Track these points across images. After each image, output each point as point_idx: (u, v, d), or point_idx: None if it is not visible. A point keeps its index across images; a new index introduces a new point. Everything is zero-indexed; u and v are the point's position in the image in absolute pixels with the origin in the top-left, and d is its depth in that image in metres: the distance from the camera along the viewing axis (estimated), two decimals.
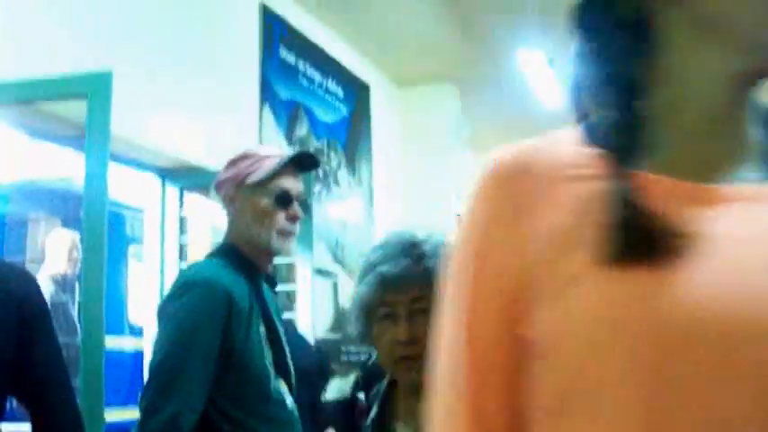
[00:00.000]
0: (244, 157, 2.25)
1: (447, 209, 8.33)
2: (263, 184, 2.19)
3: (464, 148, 9.26)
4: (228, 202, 2.25)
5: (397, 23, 7.19)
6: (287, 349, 2.20)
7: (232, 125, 5.49)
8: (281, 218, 2.20)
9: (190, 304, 2.01)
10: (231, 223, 2.25)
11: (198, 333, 1.97)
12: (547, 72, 6.86)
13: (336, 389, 6.35)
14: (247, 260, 2.17)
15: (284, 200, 2.21)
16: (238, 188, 2.21)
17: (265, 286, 2.25)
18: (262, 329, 2.09)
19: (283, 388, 2.11)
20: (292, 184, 2.24)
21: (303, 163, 2.32)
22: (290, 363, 2.21)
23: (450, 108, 8.64)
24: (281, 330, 2.22)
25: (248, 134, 5.71)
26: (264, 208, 2.18)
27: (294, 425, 2.10)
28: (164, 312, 2.05)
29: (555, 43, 6.87)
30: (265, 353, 2.07)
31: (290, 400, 2.11)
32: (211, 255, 2.26)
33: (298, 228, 2.26)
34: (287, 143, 6.14)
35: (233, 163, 2.25)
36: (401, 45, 7.66)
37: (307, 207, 2.28)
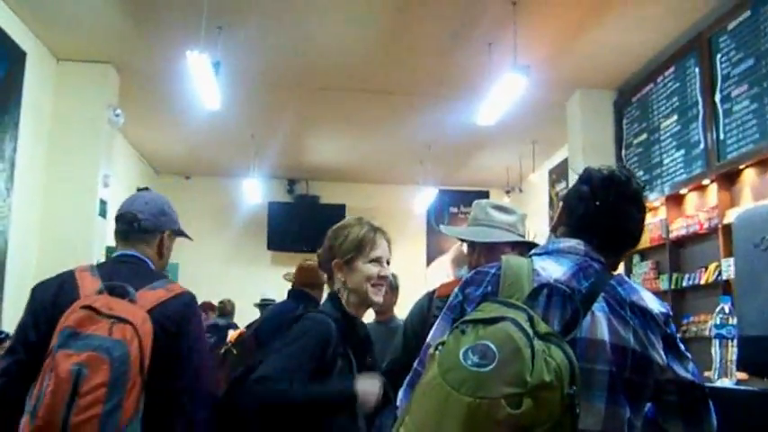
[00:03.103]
0: None
1: (91, 193, 8.10)
2: None
3: (115, 135, 9.06)
4: None
5: None
6: None
7: None
8: None
9: None
10: None
11: None
12: (210, 75, 6.93)
13: None
14: None
15: None
16: None
17: None
18: None
19: None
20: None
21: None
22: None
23: (107, 92, 8.39)
24: None
25: None
26: None
27: None
28: None
29: (222, 49, 7.01)
30: None
31: None
32: None
33: None
34: None
35: None
36: (65, 18, 7.32)
37: None
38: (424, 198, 12.31)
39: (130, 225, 2.71)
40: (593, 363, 1.75)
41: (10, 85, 7.14)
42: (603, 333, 1.77)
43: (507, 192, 12.26)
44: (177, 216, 2.93)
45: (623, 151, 8.44)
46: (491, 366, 1.53)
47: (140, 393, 2.27)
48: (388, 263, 2.73)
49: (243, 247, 13.33)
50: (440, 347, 1.67)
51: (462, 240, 3.36)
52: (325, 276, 2.84)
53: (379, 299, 2.68)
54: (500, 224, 3.10)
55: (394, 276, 5.97)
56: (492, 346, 1.56)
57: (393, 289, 5.91)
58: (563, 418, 1.53)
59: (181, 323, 2.49)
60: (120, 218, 2.73)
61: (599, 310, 1.80)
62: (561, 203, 2.06)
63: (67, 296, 2.42)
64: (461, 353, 1.58)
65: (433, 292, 3.38)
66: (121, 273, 2.56)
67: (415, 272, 11.26)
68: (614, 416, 1.74)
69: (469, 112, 8.35)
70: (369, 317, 5.15)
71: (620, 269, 6.84)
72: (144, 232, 2.71)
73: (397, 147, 11.24)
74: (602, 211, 1.95)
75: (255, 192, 12.30)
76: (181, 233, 2.95)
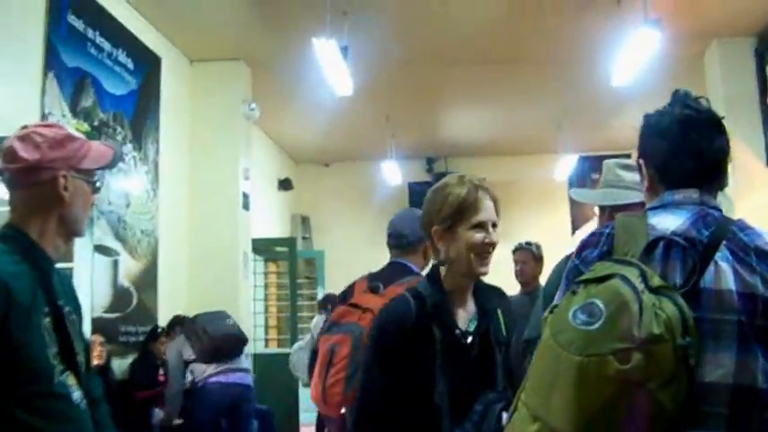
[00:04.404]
0: (69, 137, 2.10)
1: (233, 187, 8.30)
2: (90, 169, 2.13)
3: (252, 128, 9.25)
4: (55, 182, 2.06)
5: None
6: (76, 339, 2.07)
7: (12, 92, 5.23)
8: (91, 202, 2.19)
9: None
10: (26, 205, 2.07)
11: None
12: (339, 60, 6.97)
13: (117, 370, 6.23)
14: (34, 246, 2.04)
15: (98, 187, 2.19)
16: (69, 171, 2.07)
17: (57, 272, 2.17)
18: (46, 320, 1.95)
19: (70, 381, 1.98)
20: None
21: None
22: (81, 354, 2.08)
23: (241, 87, 8.59)
24: (72, 319, 2.09)
25: (29, 102, 5.44)
26: (88, 193, 2.14)
27: (81, 420, 1.99)
28: None
29: (349, 34, 7.02)
30: (48, 345, 1.94)
31: (77, 395, 1.98)
32: None
33: None
34: (71, 114, 5.91)
35: (59, 143, 2.08)
36: (195, 20, 7.55)
37: None
38: (564, 166, 12.05)
39: (399, 240, 3.39)
40: (721, 313, 1.64)
41: (148, 89, 7.41)
42: (729, 282, 1.66)
43: None
44: None
45: None
46: (598, 323, 1.51)
47: None
48: (494, 226, 2.40)
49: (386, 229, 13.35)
50: (553, 311, 1.65)
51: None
52: (428, 246, 2.63)
53: (485, 270, 2.39)
54: (629, 184, 2.94)
55: (537, 247, 5.85)
56: (599, 303, 1.53)
57: (537, 259, 5.80)
58: (677, 370, 1.48)
59: None
60: (390, 236, 3.45)
61: (722, 260, 1.69)
62: (642, 162, 1.94)
63: (346, 298, 3.33)
64: (570, 313, 1.56)
65: (570, 255, 3.24)
66: (384, 275, 3.31)
67: (560, 242, 11.02)
68: (746, 366, 1.63)
69: (604, 73, 8.07)
70: (513, 288, 5.07)
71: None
72: (410, 245, 3.37)
73: (533, 116, 11.03)
74: (701, 164, 1.84)
75: (395, 173, 12.35)
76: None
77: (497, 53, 8.58)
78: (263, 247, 10.12)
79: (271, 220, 11.65)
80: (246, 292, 8.58)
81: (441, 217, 2.38)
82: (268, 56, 8.39)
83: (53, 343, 1.96)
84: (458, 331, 2.37)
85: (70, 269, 4.59)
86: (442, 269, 2.42)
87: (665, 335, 1.47)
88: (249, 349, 8.56)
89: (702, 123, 1.87)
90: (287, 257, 10.27)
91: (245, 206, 8.43)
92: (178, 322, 6.73)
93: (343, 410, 3.07)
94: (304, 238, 12.92)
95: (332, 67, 7.16)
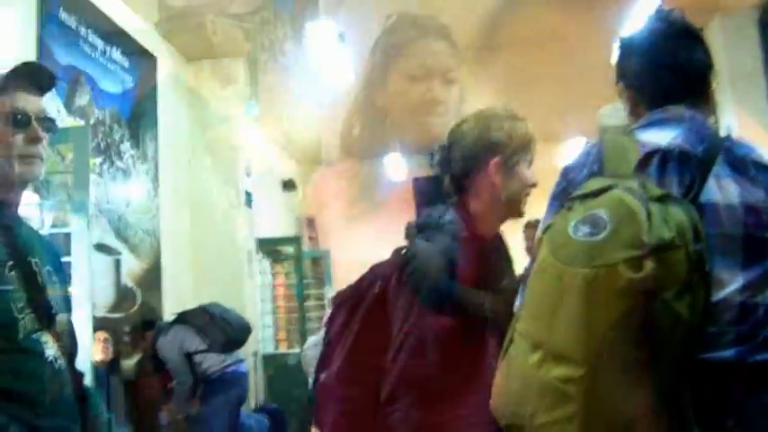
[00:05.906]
0: None
1: (234, 186, 8.19)
2: None
3: (254, 131, 9.15)
4: None
5: None
6: (56, 299, 1.94)
7: None
8: (19, 141, 1.93)
9: None
10: None
11: None
12: (336, 47, 6.81)
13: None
14: None
15: (21, 121, 1.93)
16: None
17: (38, 234, 2.04)
18: (11, 273, 1.83)
19: (44, 338, 1.85)
20: (27, 101, 1.95)
21: (39, 79, 2.01)
22: (57, 309, 1.94)
23: (239, 85, 8.47)
24: (53, 280, 1.96)
25: None
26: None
27: (56, 379, 1.85)
28: None
29: (345, 18, 6.90)
30: (13, 298, 1.81)
31: (51, 353, 1.85)
32: None
33: (42, 150, 1.97)
34: (66, 111, 5.81)
35: None
36: (190, 18, 7.44)
37: (52, 125, 1.99)
38: (569, 152, 11.90)
39: None
40: (726, 228, 1.57)
41: (145, 88, 7.30)
42: (732, 196, 1.59)
43: None
44: None
45: None
46: (604, 233, 1.40)
47: None
48: None
49: (393, 226, 13.18)
50: (547, 231, 1.54)
51: None
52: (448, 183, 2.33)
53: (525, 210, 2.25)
54: None
55: None
56: (603, 214, 1.42)
57: None
58: (692, 278, 1.38)
59: None
60: None
61: (722, 173, 1.61)
62: (621, 85, 1.87)
63: None
64: (570, 227, 1.45)
65: None
66: None
67: None
68: (758, 280, 1.55)
69: (605, 52, 7.95)
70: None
71: None
72: None
73: (536, 101, 10.86)
74: (681, 78, 1.77)
75: (398, 169, 12.24)
76: None
77: (496, 38, 8.50)
78: (269, 248, 10.01)
79: (276, 222, 11.53)
80: (252, 292, 8.46)
81: (510, 149, 2.19)
82: (266, 52, 8.28)
83: (20, 297, 1.82)
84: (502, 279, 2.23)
85: (68, 263, 4.45)
86: (473, 207, 2.23)
87: (677, 240, 1.38)
88: (258, 349, 8.47)
89: (678, 35, 1.79)
90: (293, 257, 10.16)
91: (248, 203, 8.32)
92: (148, 326, 6.29)
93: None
94: (311, 238, 12.81)
95: (330, 52, 6.96)
